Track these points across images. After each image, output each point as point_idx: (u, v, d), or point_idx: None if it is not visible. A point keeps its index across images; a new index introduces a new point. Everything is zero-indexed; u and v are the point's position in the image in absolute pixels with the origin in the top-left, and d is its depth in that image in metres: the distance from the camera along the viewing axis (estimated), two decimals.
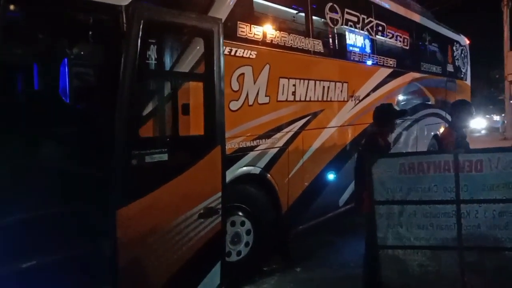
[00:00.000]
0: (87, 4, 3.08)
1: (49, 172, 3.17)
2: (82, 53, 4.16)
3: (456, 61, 9.64)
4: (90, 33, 3.77)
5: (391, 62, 6.79)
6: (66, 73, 4.07)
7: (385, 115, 3.91)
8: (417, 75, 7.66)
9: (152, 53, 3.29)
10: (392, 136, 6.72)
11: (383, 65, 6.60)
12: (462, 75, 10.01)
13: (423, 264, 3.50)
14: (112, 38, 3.24)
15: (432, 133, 8.34)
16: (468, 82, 10.40)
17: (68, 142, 3.42)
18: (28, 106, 3.76)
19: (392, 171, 3.43)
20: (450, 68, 9.28)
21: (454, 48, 9.58)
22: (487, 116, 36.63)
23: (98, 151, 3.09)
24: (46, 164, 3.35)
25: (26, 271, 2.84)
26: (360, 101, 5.96)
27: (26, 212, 3.00)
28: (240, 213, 4.22)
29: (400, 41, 7.22)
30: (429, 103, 8.26)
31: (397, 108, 6.37)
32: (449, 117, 8.70)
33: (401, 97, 7.16)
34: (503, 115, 27.86)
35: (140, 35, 2.96)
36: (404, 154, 4.23)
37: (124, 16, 3.00)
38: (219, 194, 3.49)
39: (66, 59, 4.11)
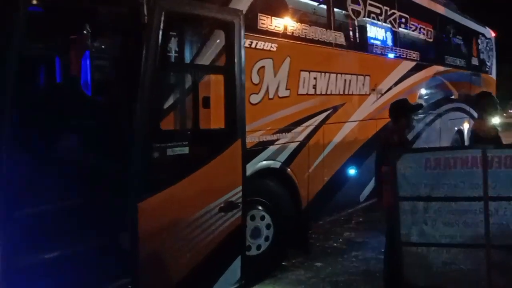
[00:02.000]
0: None
1: (71, 165, 3.19)
2: (103, 46, 4.18)
3: (481, 54, 9.39)
4: (111, 25, 3.79)
5: (414, 55, 6.64)
6: (88, 66, 4.11)
7: (400, 110, 3.85)
8: (440, 68, 7.48)
9: (173, 45, 3.27)
10: (414, 132, 6.62)
11: (406, 58, 6.46)
12: (487, 69, 9.74)
13: (448, 262, 3.41)
14: (133, 30, 3.23)
15: (456, 128, 8.16)
16: (494, 76, 10.12)
17: (90, 134, 3.43)
18: (50, 99, 3.80)
19: (417, 166, 3.35)
20: (474, 61, 9.04)
21: (479, 41, 9.33)
22: (510, 110, 35.69)
23: (119, 144, 3.09)
24: (67, 157, 3.38)
25: (48, 262, 2.87)
26: (382, 95, 5.85)
27: (47, 204, 3.03)
28: (260, 207, 4.19)
29: (423, 34, 7.05)
30: (453, 97, 8.07)
31: (417, 102, 6.26)
32: (473, 112, 8.54)
33: (424, 91, 7.00)
34: None
35: (161, 27, 2.94)
36: (430, 149, 4.12)
37: (145, 7, 2.98)
38: (240, 188, 3.46)
39: (87, 52, 4.14)
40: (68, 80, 4.01)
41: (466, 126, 8.53)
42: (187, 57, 3.54)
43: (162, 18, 2.94)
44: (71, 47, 4.01)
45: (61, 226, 2.93)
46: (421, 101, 6.74)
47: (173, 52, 3.30)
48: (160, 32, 2.94)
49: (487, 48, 9.74)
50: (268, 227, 4.24)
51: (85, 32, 4.16)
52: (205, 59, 3.58)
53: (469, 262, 3.35)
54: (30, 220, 2.77)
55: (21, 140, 2.66)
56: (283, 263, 4.38)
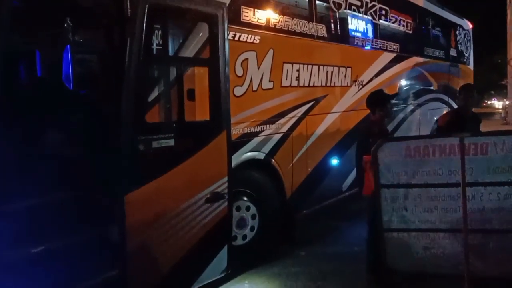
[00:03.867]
0: None
1: (57, 159, 3.18)
2: (85, 39, 4.14)
3: (459, 45, 9.58)
4: (94, 18, 3.76)
5: (394, 47, 6.75)
6: (69, 59, 4.07)
7: (376, 101, 3.96)
8: (420, 59, 7.62)
9: (157, 38, 3.28)
10: (395, 122, 6.75)
11: (386, 50, 6.56)
12: (465, 60, 9.95)
13: (428, 247, 3.53)
14: (116, 23, 3.23)
15: (435, 118, 8.32)
16: (471, 66, 10.34)
17: (74, 128, 3.42)
18: (32, 93, 3.75)
19: (397, 154, 3.45)
20: (453, 52, 9.22)
21: (457, 32, 9.51)
22: (488, 102, 36.56)
23: (105, 137, 3.09)
24: (53, 151, 3.36)
25: (35, 256, 2.87)
26: (363, 86, 5.95)
27: (34, 198, 3.02)
28: (245, 198, 4.25)
29: (403, 26, 7.16)
30: (432, 88, 8.23)
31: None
32: (452, 102, 8.73)
33: (404, 82, 7.13)
34: (505, 100, 27.77)
35: (144, 19, 2.95)
36: (409, 138, 4.24)
37: (128, 0, 2.98)
38: (225, 179, 3.51)
39: (69, 46, 4.10)
40: (49, 75, 3.97)
41: None
42: (171, 50, 3.55)
43: (146, 11, 2.95)
44: (52, 41, 3.98)
45: (47, 220, 2.92)
46: (401, 93, 6.88)
47: (157, 45, 3.30)
48: (144, 25, 2.96)
49: (465, 39, 9.94)
50: (253, 217, 4.30)
51: (66, 25, 4.13)
52: (189, 51, 3.59)
53: (448, 246, 3.48)
54: (17, 215, 2.76)
55: (5, 135, 2.65)
56: (269, 253, 4.45)
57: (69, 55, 4.06)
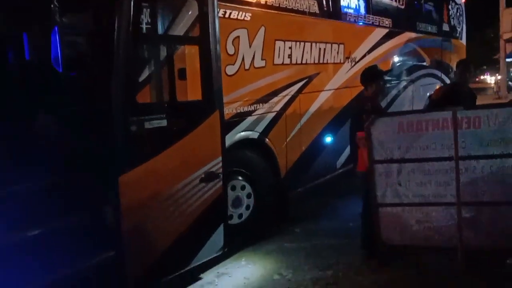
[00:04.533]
0: None
1: (49, 143, 3.16)
2: (73, 20, 4.06)
3: (452, 20, 9.51)
4: None
5: (386, 22, 6.69)
6: (58, 41, 3.99)
7: (370, 77, 3.95)
8: (412, 35, 7.57)
9: (145, 17, 3.21)
10: (388, 98, 6.75)
11: (378, 25, 6.51)
12: (457, 35, 9.90)
13: (421, 221, 3.59)
14: (104, 1, 3.16)
15: (428, 94, 8.32)
16: (464, 41, 10.30)
17: (65, 111, 3.38)
18: (21, 77, 3.70)
19: (391, 130, 3.46)
20: (445, 27, 9.16)
21: (450, 6, 9.43)
22: (481, 77, 36.60)
23: (97, 119, 3.06)
24: (44, 134, 3.33)
25: (31, 239, 2.87)
26: (356, 62, 5.91)
27: (27, 182, 3.00)
28: (240, 178, 4.26)
29: (395, 1, 7.08)
30: (425, 63, 8.20)
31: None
32: (445, 77, 8.71)
33: (396, 58, 7.10)
34: (497, 74, 27.83)
35: None
36: (403, 113, 4.26)
37: None
38: (220, 158, 3.51)
39: (56, 27, 4.01)
40: (37, 57, 3.90)
41: None
42: (161, 29, 3.49)
43: None
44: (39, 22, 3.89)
45: (42, 203, 2.91)
46: (394, 68, 6.85)
47: (146, 24, 3.24)
48: (132, 3, 2.89)
49: (458, 13, 9.87)
50: (248, 196, 4.32)
51: (53, 6, 4.03)
52: (179, 30, 3.53)
53: (441, 220, 3.53)
54: (11, 199, 2.75)
55: None
56: (265, 231, 4.50)
57: (57, 36, 3.99)
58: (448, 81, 9.09)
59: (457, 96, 4.12)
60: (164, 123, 3.12)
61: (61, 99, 3.51)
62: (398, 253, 3.76)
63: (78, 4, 3.98)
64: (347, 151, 5.45)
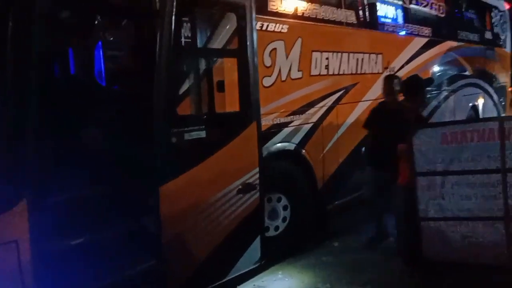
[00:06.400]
0: None
1: (94, 154, 3.26)
2: (116, 35, 4.22)
3: (495, 28, 9.19)
4: (123, 14, 3.82)
5: (426, 31, 6.55)
6: (101, 56, 4.15)
7: (413, 87, 3.84)
8: (453, 44, 7.36)
9: (186, 30, 3.29)
10: (428, 109, 6.56)
11: (418, 35, 6.38)
12: (501, 43, 9.55)
13: (467, 236, 3.44)
14: (145, 17, 3.26)
15: (470, 104, 8.06)
16: (508, 49, 9.92)
17: (109, 124, 3.49)
18: (66, 90, 3.86)
19: (434, 141, 3.36)
20: (488, 35, 8.86)
21: (493, 14, 9.13)
22: None
23: (138, 131, 3.14)
24: (88, 146, 3.45)
25: (75, 247, 2.95)
26: (395, 72, 5.80)
27: (73, 192, 3.11)
28: (277, 189, 4.23)
29: (435, 9, 6.93)
30: (467, 73, 7.95)
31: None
32: (488, 87, 8.41)
33: (437, 68, 6.92)
34: None
35: (173, 12, 2.96)
36: (446, 124, 4.10)
37: None
38: (257, 169, 3.51)
39: (100, 42, 4.18)
40: (82, 72, 4.06)
41: (481, 102, 8.42)
42: (201, 42, 3.56)
43: (174, 4, 2.96)
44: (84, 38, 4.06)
45: (86, 213, 3.01)
46: (432, 76, 6.68)
47: (187, 37, 3.31)
48: (173, 18, 2.97)
49: (501, 21, 9.53)
50: (285, 208, 4.29)
51: (97, 22, 4.21)
52: (218, 43, 3.59)
53: (488, 235, 3.38)
54: (56, 208, 2.85)
55: (47, 131, 2.73)
56: (301, 244, 4.44)
57: (101, 51, 4.15)
58: (491, 91, 8.77)
59: (382, 115, 3.94)
60: (203, 134, 3.16)
61: (105, 112, 3.64)
62: (440, 269, 3.61)
63: (120, 20, 4.14)
64: None
